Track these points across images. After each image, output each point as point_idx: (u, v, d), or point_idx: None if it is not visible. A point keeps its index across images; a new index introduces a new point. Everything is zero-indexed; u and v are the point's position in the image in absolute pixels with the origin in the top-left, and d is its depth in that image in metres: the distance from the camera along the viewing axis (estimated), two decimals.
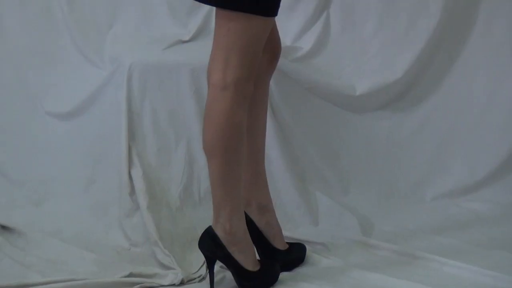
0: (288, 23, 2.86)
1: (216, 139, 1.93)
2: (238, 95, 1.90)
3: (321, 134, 2.88)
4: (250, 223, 2.16)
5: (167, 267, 2.28)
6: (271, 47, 2.15)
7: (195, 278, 2.24)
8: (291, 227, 2.60)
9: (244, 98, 1.92)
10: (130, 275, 2.19)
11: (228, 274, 2.16)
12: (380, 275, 2.21)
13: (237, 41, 1.87)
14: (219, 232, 2.01)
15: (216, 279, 2.13)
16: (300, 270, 2.30)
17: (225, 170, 1.96)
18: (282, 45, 2.28)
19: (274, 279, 2.16)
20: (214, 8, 1.97)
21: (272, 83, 2.37)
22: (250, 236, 2.11)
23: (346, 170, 2.91)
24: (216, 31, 1.93)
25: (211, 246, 2.03)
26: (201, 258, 2.19)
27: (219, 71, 1.90)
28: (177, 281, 2.18)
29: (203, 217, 2.44)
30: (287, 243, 2.33)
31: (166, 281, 2.19)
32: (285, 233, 2.39)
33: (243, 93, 1.91)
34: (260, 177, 2.25)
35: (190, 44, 2.91)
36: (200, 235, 2.08)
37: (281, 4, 1.93)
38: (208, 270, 2.13)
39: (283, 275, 2.21)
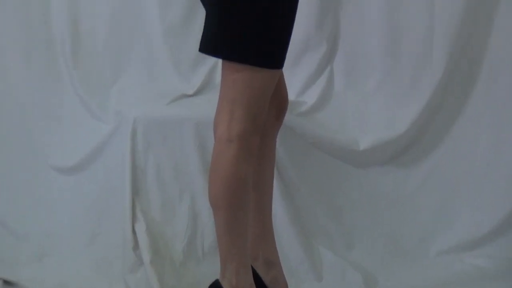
0: (292, 78, 2.86)
1: (222, 192, 1.91)
2: (243, 148, 1.89)
3: (325, 188, 2.87)
4: (256, 278, 2.13)
5: None
6: (278, 103, 2.15)
7: None
8: (295, 282, 2.57)
9: (249, 151, 1.91)
10: None
11: None
12: None
13: (242, 93, 1.85)
14: (226, 286, 1.99)
15: None
16: None
17: (231, 223, 1.94)
18: None
19: None
20: (219, 62, 1.98)
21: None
22: None
23: (350, 225, 2.89)
24: (222, 83, 1.92)
25: None
26: None
27: (224, 123, 1.88)
28: None
29: (207, 272, 2.43)
30: None
31: None
32: None
33: (248, 146, 1.90)
34: (267, 232, 2.23)
35: (195, 98, 2.93)
36: None
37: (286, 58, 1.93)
38: None
39: None
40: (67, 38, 3.02)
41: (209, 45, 1.86)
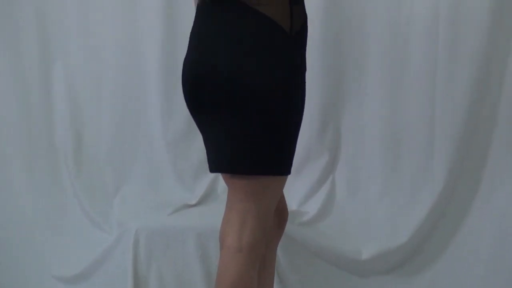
0: (294, 187, 2.90)
1: None
2: (252, 256, 1.88)
3: None
4: None
5: None
6: (280, 211, 2.15)
7: None
8: None
9: (256, 259, 1.90)
10: None
11: None
12: None
13: (255, 205, 1.85)
14: None
15: None
16: None
17: None
18: (288, 209, 2.27)
19: None
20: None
21: (278, 247, 2.36)
22: None
23: None
24: (231, 196, 1.90)
25: None
26: None
27: (235, 233, 1.87)
28: None
29: None
30: None
31: None
32: None
33: (256, 254, 1.89)
34: None
35: (197, 208, 2.94)
36: None
37: None
38: None
39: None
40: (69, 147, 3.07)
41: (225, 165, 1.84)
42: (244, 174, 1.83)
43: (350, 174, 3.02)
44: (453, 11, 2.80)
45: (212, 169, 1.88)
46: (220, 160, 1.84)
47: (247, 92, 1.72)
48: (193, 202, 2.96)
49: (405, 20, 2.89)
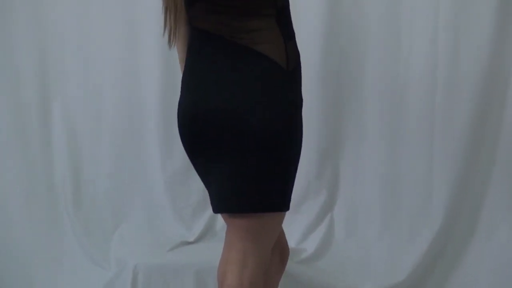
0: (292, 225, 2.90)
1: None
2: None
3: None
4: None
5: None
6: (281, 248, 2.14)
7: None
8: None
9: None
10: None
11: None
12: None
13: (254, 243, 1.85)
14: None
15: None
16: None
17: None
18: None
19: None
20: None
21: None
22: None
23: None
24: (231, 234, 1.89)
25: None
26: None
27: (235, 272, 1.86)
28: None
29: None
30: None
31: None
32: None
33: None
34: None
35: (195, 245, 2.95)
36: None
37: None
38: None
39: None
40: (68, 185, 3.07)
41: (227, 205, 1.83)
42: (245, 212, 1.82)
43: (348, 212, 3.03)
44: (452, 50, 2.83)
45: (215, 210, 1.87)
46: (222, 200, 1.82)
47: (246, 130, 1.72)
48: (192, 239, 2.96)
49: (405, 59, 2.92)
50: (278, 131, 1.75)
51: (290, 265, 2.65)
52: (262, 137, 1.73)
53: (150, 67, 3.04)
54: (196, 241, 2.97)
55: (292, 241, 2.92)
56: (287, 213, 1.97)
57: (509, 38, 2.83)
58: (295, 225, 2.97)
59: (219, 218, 2.99)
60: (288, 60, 1.79)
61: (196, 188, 3.04)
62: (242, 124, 1.73)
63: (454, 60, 2.84)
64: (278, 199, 1.83)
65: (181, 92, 1.84)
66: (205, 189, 1.91)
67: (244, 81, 1.74)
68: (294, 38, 1.87)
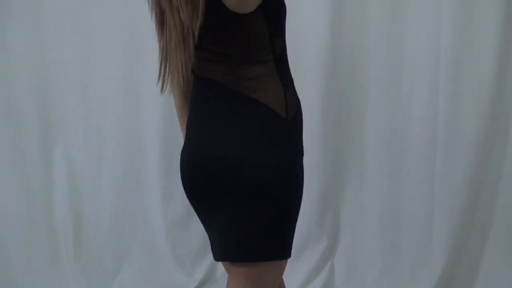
0: (293, 273, 2.89)
1: None
2: None
3: None
4: None
5: None
6: None
7: None
8: None
9: None
10: None
11: None
12: None
13: None
14: None
15: None
16: None
17: None
18: None
19: None
20: None
21: None
22: None
23: None
24: (232, 284, 1.87)
25: None
26: None
27: None
28: None
29: None
30: None
31: None
32: None
33: None
34: None
35: None
36: None
37: None
38: None
39: None
40: (69, 230, 3.07)
41: (229, 253, 1.81)
42: (247, 261, 1.81)
43: (349, 259, 3.02)
44: (453, 88, 2.83)
45: (216, 258, 1.86)
46: (224, 248, 1.82)
47: (243, 179, 1.72)
48: (192, 286, 2.95)
49: (405, 100, 2.93)
50: (274, 179, 1.74)
51: None
52: (259, 186, 1.73)
53: (151, 112, 3.05)
54: None
55: None
56: (288, 260, 1.97)
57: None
58: (295, 272, 2.95)
59: (220, 265, 2.98)
60: (287, 108, 1.81)
61: (196, 234, 3.04)
62: (240, 172, 1.73)
63: (455, 100, 2.84)
64: (279, 247, 1.82)
65: (185, 139, 1.85)
66: (205, 234, 1.91)
67: (242, 130, 1.75)
68: (293, 85, 1.88)
